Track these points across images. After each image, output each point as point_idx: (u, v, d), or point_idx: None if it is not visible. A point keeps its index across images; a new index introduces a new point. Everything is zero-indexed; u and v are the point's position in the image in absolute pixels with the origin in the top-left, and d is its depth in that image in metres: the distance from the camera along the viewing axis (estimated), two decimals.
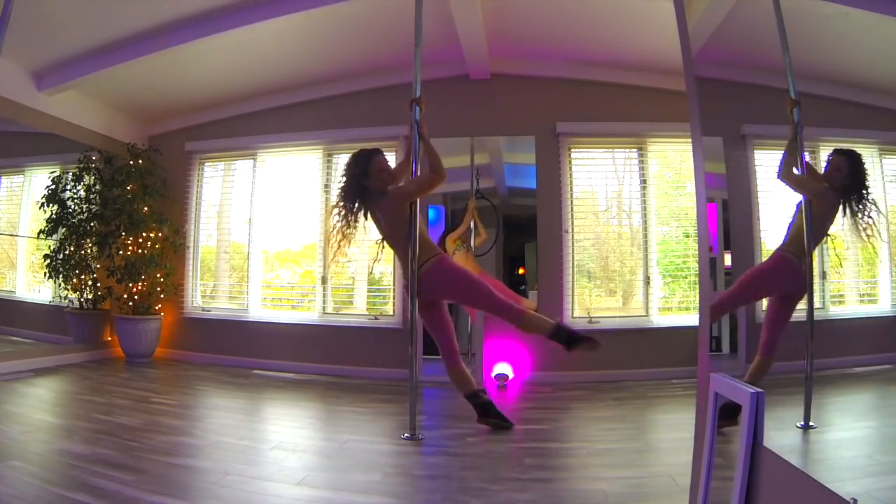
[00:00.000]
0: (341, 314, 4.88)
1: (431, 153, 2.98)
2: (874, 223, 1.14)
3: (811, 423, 1.33)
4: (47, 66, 4.34)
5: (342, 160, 5.03)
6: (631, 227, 4.83)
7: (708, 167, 1.72)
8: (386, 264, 4.90)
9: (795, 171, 1.36)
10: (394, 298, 4.78)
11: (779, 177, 1.43)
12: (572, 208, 4.62)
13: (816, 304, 1.33)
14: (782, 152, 1.41)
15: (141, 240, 4.96)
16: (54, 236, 4.85)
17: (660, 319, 4.53)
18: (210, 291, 5.42)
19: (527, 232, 4.70)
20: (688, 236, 4.62)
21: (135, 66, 4.23)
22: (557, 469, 2.45)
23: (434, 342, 3.09)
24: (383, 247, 3.14)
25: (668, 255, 4.73)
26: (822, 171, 1.35)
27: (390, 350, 4.52)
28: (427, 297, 2.97)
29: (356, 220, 3.03)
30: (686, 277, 4.65)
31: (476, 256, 4.63)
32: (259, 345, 4.92)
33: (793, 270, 1.39)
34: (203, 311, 5.27)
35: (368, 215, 3.06)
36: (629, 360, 4.37)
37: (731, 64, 1.78)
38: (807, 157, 1.36)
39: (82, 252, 4.95)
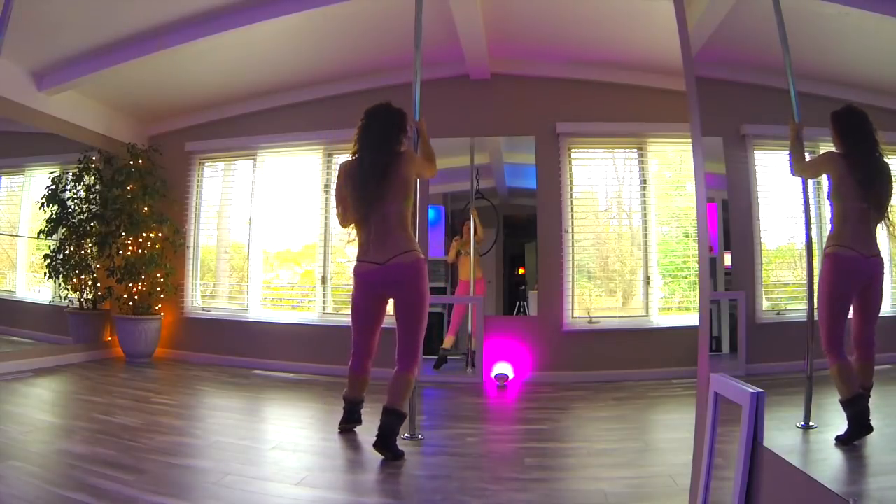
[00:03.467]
0: (341, 314, 4.87)
1: (431, 156, 2.94)
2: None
3: (811, 423, 1.33)
4: (47, 66, 4.33)
5: (342, 160, 5.02)
6: (631, 227, 4.83)
7: (708, 167, 1.72)
8: None
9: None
10: None
11: (793, 173, 1.37)
12: (572, 208, 4.62)
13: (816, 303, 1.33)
14: (788, 153, 1.37)
15: (141, 240, 4.96)
16: (54, 236, 4.85)
17: (660, 319, 4.54)
18: (210, 291, 5.42)
19: (527, 232, 4.70)
20: (688, 236, 4.63)
21: (135, 66, 4.22)
22: (557, 469, 2.45)
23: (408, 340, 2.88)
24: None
25: (668, 255, 4.73)
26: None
27: (390, 350, 4.50)
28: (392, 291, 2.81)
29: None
30: (686, 277, 4.65)
31: (479, 256, 4.65)
32: (259, 345, 4.92)
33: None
34: (203, 311, 5.27)
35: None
36: (629, 360, 4.37)
37: (731, 64, 1.78)
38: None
39: (82, 252, 4.95)
